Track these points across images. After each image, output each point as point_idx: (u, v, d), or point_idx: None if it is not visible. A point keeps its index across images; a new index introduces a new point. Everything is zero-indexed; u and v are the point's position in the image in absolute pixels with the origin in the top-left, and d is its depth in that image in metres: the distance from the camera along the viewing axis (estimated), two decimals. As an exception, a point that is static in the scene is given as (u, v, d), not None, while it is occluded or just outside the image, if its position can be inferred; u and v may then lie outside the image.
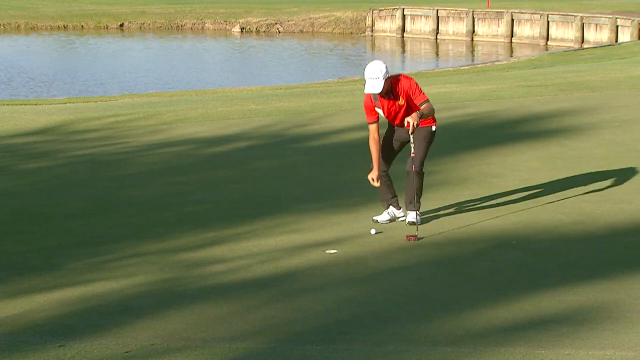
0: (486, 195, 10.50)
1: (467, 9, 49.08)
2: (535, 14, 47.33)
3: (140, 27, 54.80)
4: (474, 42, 48.52)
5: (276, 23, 54.16)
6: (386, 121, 9.44)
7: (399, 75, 9.24)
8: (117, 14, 56.51)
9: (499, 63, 34.69)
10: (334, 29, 53.44)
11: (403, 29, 51.04)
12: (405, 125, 9.00)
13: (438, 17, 49.89)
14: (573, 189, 10.57)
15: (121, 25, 54.98)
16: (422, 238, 8.89)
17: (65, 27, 54.28)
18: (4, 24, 54.43)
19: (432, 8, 50.25)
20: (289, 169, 12.43)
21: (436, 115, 9.41)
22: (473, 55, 45.05)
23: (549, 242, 8.80)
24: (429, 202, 9.74)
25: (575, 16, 45.67)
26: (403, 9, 51.13)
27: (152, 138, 14.77)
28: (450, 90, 19.53)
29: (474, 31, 48.92)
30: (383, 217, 9.46)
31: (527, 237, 8.96)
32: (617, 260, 8.23)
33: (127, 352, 6.19)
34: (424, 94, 9.14)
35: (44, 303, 7.28)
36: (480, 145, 13.36)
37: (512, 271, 7.97)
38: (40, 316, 6.97)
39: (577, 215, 9.62)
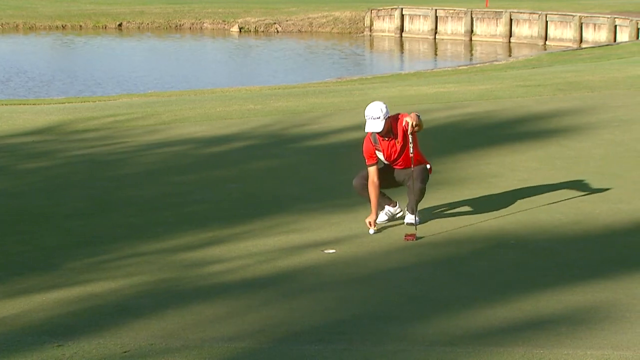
0: (485, 195, 10.50)
1: (465, 9, 49.09)
2: (534, 13, 47.35)
3: (139, 27, 54.78)
4: (472, 42, 48.53)
5: (275, 23, 54.15)
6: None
7: (398, 114, 9.27)
8: (115, 14, 56.50)
9: (497, 63, 34.70)
10: (332, 28, 53.45)
11: (401, 29, 51.05)
12: (404, 124, 9.01)
13: (436, 17, 49.90)
14: (571, 189, 10.58)
15: (120, 25, 54.96)
16: (421, 238, 8.90)
17: (63, 27, 54.26)
18: (2, 24, 54.42)
19: (430, 8, 50.25)
20: (288, 169, 12.43)
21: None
22: (471, 55, 45.06)
23: (547, 242, 8.80)
24: (427, 202, 9.74)
25: (574, 16, 45.68)
26: (401, 8, 51.14)
27: (150, 138, 14.76)
28: (449, 90, 19.53)
29: (472, 31, 48.92)
30: (381, 217, 9.46)
31: (526, 237, 8.96)
32: (616, 260, 8.24)
33: (125, 351, 6.19)
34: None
35: (43, 303, 7.28)
36: (479, 145, 13.36)
37: (511, 271, 7.97)
38: (38, 316, 6.98)
39: (575, 215, 9.63)
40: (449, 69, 32.85)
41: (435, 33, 49.77)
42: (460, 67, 33.20)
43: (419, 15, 50.88)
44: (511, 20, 47.78)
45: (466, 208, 9.99)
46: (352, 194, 9.62)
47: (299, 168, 12.50)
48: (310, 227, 9.42)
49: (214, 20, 55.42)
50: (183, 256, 8.57)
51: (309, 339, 6.39)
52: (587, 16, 45.59)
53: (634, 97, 17.40)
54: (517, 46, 46.48)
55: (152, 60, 41.54)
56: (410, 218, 9.27)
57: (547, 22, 46.50)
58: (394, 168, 9.40)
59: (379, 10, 52.41)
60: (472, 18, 48.89)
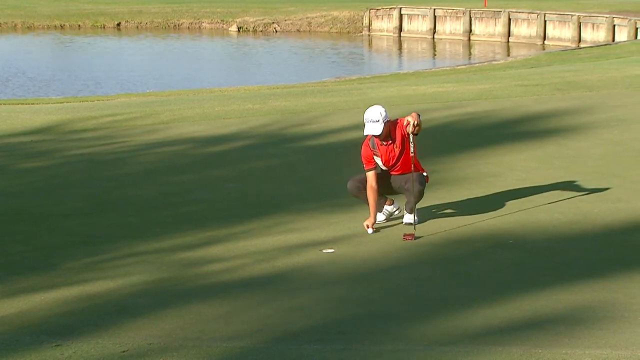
0: (483, 194, 10.50)
1: (464, 9, 49.09)
2: (532, 13, 47.36)
3: (137, 27, 54.75)
4: (471, 41, 48.54)
5: (273, 22, 54.15)
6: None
7: (397, 119, 9.27)
8: (114, 14, 56.48)
9: (496, 62, 34.70)
10: (331, 28, 53.44)
11: (400, 29, 51.05)
12: (405, 123, 9.01)
13: (435, 17, 49.90)
14: (570, 189, 10.58)
15: (118, 24, 54.94)
16: (419, 237, 8.90)
17: (62, 27, 54.23)
18: (0, 24, 54.38)
19: (429, 7, 50.26)
20: (287, 169, 12.43)
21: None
22: (470, 55, 45.06)
23: (546, 241, 8.80)
24: (426, 202, 9.74)
25: (572, 16, 45.70)
26: (400, 8, 51.14)
27: (149, 137, 14.76)
28: (448, 89, 19.53)
29: (471, 30, 48.93)
30: (378, 217, 9.47)
31: (524, 236, 8.96)
32: (614, 259, 8.24)
33: (124, 351, 6.19)
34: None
35: (41, 302, 7.27)
36: (477, 145, 13.36)
37: (509, 270, 7.97)
38: (37, 315, 6.97)
39: (574, 214, 9.63)
40: (447, 68, 32.85)
41: (434, 33, 49.78)
42: (458, 67, 33.19)
43: (418, 15, 50.88)
44: (510, 19, 47.79)
45: (465, 208, 9.99)
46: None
47: (298, 167, 12.50)
48: (308, 227, 9.42)
49: (212, 19, 55.40)
50: (182, 256, 8.57)
51: (307, 338, 6.39)
52: (585, 16, 45.62)
53: (633, 97, 17.41)
54: (515, 46, 46.49)
55: (151, 59, 41.52)
56: (408, 218, 9.28)
57: (545, 21, 46.52)
58: (391, 174, 9.39)
59: (377, 9, 52.42)
60: (470, 18, 48.90)
